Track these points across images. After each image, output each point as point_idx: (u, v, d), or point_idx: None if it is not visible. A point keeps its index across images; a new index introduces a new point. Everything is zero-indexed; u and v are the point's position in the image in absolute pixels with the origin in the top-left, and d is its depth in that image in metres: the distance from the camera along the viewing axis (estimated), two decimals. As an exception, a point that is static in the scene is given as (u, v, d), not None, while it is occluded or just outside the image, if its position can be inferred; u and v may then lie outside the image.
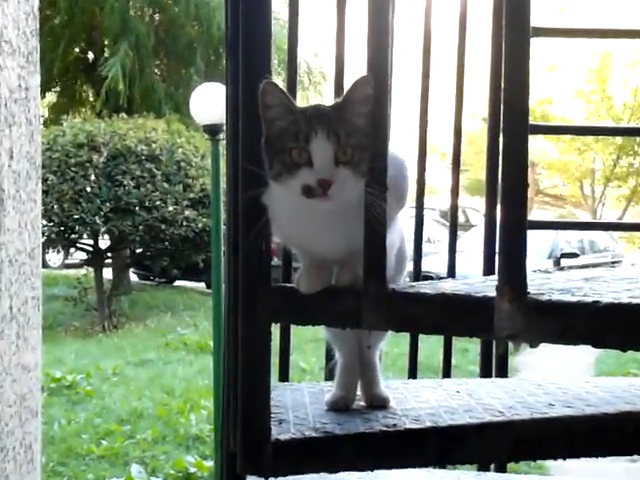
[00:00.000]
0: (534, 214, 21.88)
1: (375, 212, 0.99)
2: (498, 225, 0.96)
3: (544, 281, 1.14)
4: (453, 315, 0.96)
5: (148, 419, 5.01)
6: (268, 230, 1.08)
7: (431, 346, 5.79)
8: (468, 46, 1.89)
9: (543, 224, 2.44)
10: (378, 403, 1.33)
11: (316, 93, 13.10)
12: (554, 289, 1.02)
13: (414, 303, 0.99)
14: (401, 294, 1.00)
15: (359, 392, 1.37)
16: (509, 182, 0.90)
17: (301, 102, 1.11)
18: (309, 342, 6.89)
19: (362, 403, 1.35)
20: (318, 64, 13.27)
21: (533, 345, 0.91)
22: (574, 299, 0.91)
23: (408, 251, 1.33)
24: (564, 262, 9.70)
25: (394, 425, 1.17)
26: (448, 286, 1.05)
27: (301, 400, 1.38)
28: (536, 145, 19.98)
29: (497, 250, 1.03)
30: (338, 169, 1.03)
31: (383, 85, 1.01)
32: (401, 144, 1.40)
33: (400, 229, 1.25)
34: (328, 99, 1.39)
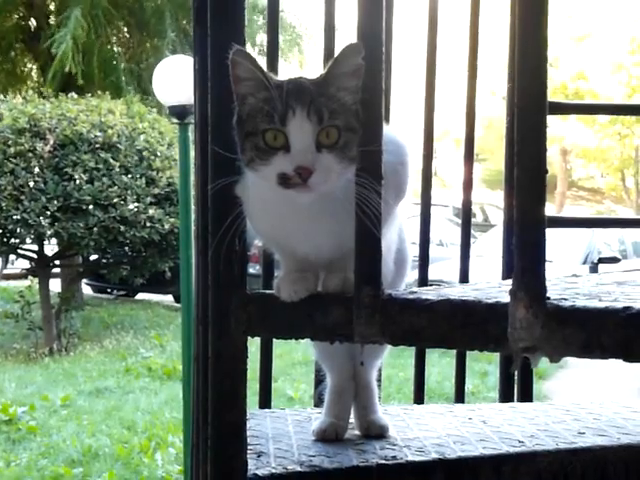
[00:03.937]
0: (566, 211, 21.99)
1: (367, 206, 1.00)
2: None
3: (569, 285, 1.16)
4: (460, 325, 0.97)
5: (105, 460, 4.99)
6: (243, 226, 1.09)
7: (443, 370, 5.82)
8: (485, 10, 1.91)
9: (574, 221, 2.45)
10: (375, 432, 1.35)
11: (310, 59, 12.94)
12: (579, 294, 1.04)
13: (414, 312, 1.00)
14: (399, 301, 1.02)
15: (352, 419, 1.39)
16: (524, 167, 0.92)
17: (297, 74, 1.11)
18: (297, 365, 6.90)
19: (356, 432, 1.37)
20: (308, 31, 13.19)
21: (554, 359, 0.92)
22: (602, 305, 0.92)
23: (411, 254, 1.34)
24: (602, 268, 9.72)
25: (393, 457, 1.19)
26: (455, 292, 1.07)
27: (284, 429, 1.39)
28: (568, 129, 20.11)
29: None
30: (320, 155, 1.04)
31: (376, 54, 1.02)
32: (403, 127, 1.42)
33: (400, 226, 1.26)
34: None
